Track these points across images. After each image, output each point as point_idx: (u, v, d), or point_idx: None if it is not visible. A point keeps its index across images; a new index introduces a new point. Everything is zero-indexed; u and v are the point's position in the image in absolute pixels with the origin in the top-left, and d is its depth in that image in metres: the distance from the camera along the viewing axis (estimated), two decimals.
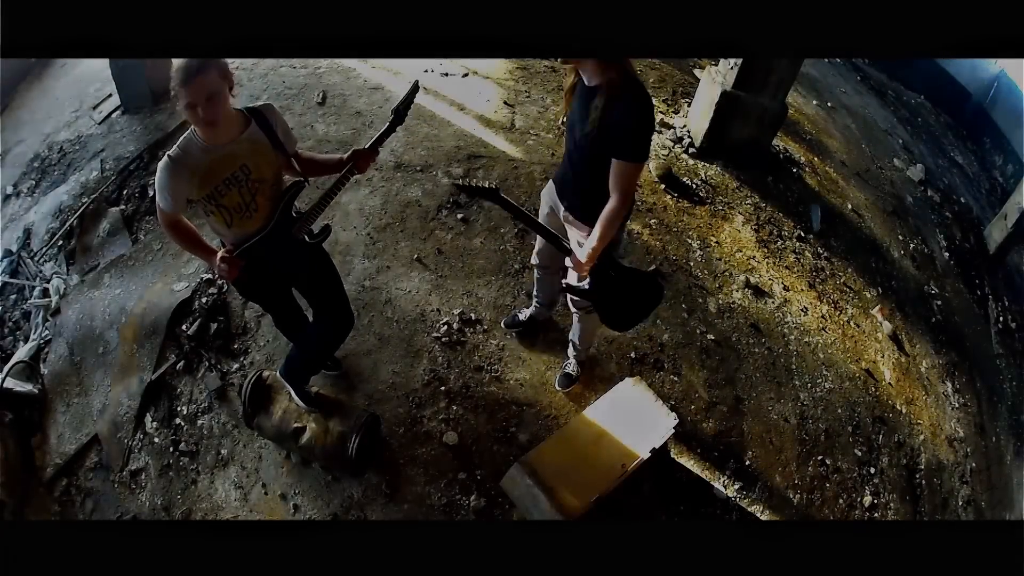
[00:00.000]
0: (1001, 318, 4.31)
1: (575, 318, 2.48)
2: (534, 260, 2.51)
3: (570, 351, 2.68)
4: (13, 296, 3.33)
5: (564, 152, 2.07)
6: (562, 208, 2.14)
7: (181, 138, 1.79)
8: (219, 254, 1.86)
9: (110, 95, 4.03)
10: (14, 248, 3.50)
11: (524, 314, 2.83)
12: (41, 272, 3.35)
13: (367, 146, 1.99)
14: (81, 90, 4.26)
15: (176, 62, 1.64)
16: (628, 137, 1.77)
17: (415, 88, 2.01)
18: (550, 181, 2.23)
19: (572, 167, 2.01)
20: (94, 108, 4.06)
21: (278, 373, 2.33)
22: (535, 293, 2.72)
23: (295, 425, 2.35)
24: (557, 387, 2.71)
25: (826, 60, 6.42)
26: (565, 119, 2.09)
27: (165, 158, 1.75)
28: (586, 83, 1.82)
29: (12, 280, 3.36)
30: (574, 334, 2.58)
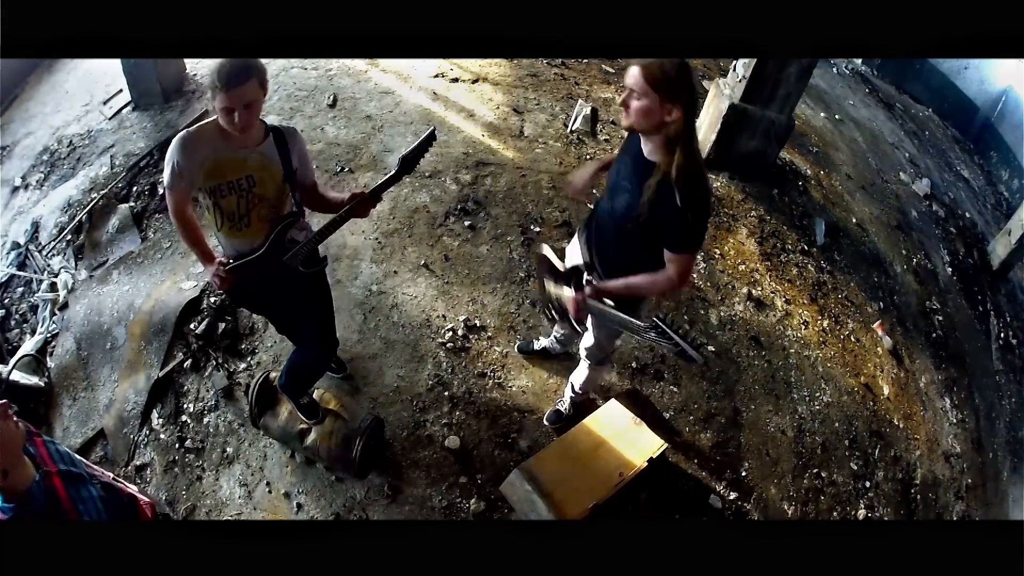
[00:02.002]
0: (1002, 334, 4.33)
1: (583, 363, 2.40)
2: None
3: (567, 391, 2.61)
4: (20, 289, 3.36)
5: (595, 212, 1.88)
6: (585, 274, 1.98)
7: (201, 123, 1.77)
8: (216, 264, 1.87)
9: (121, 91, 4.05)
10: (22, 241, 3.53)
11: (539, 344, 2.82)
12: (49, 266, 3.38)
13: (368, 193, 1.90)
14: (91, 84, 4.28)
15: (218, 63, 1.60)
16: (685, 229, 1.61)
17: (430, 138, 1.88)
18: (575, 238, 2.06)
19: (604, 235, 1.86)
20: (104, 103, 4.08)
21: (276, 383, 2.36)
22: (555, 328, 2.67)
23: (300, 426, 2.38)
24: (545, 421, 2.67)
25: (835, 71, 6.43)
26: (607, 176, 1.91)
27: (181, 135, 1.74)
28: (645, 155, 1.65)
29: (20, 273, 3.39)
30: (576, 378, 2.51)
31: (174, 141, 1.74)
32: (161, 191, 3.44)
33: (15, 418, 1.34)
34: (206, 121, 1.78)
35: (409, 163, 1.87)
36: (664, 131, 1.57)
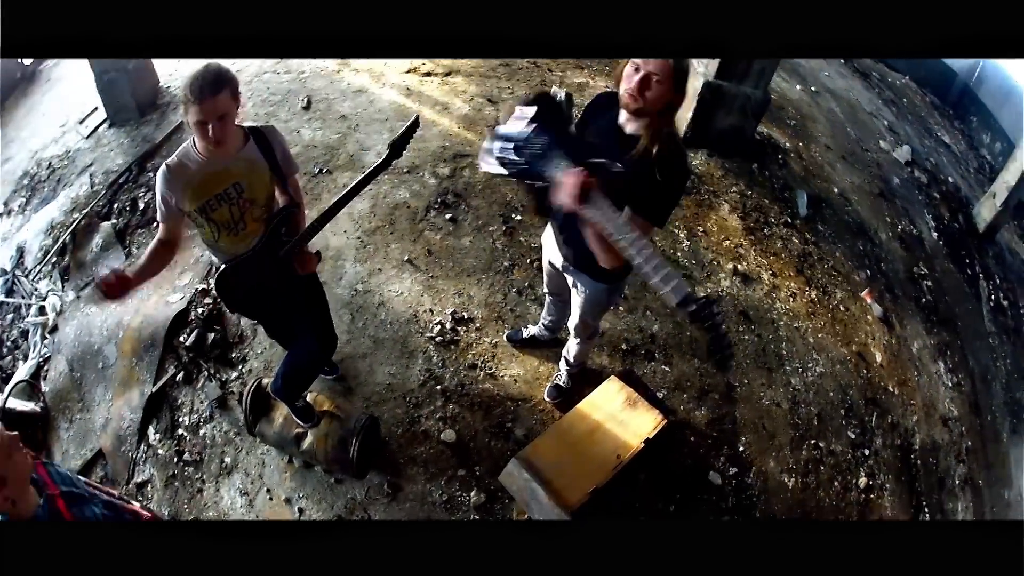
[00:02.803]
0: (993, 296, 4.35)
1: (572, 340, 2.49)
2: (546, 288, 2.51)
3: (562, 365, 2.69)
4: (10, 315, 3.35)
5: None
6: (560, 259, 2.07)
7: (180, 147, 1.79)
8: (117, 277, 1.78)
9: (96, 108, 4.04)
10: (8, 267, 3.52)
11: (527, 331, 2.86)
12: (37, 290, 3.37)
13: (361, 179, 1.94)
14: (66, 104, 4.27)
15: (190, 76, 1.60)
16: (663, 202, 1.67)
17: (415, 124, 1.99)
18: (547, 228, 2.11)
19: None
20: (80, 122, 4.06)
21: (270, 388, 2.36)
22: (543, 315, 2.73)
23: (296, 431, 2.39)
24: (546, 397, 2.73)
25: None
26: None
27: (163, 166, 1.76)
28: (627, 131, 1.68)
29: (8, 299, 3.38)
30: (568, 352, 2.59)
31: (158, 174, 1.76)
32: (142, 206, 3.44)
33: (23, 448, 1.35)
34: (183, 145, 1.78)
35: (398, 148, 1.95)
36: (658, 113, 1.62)
